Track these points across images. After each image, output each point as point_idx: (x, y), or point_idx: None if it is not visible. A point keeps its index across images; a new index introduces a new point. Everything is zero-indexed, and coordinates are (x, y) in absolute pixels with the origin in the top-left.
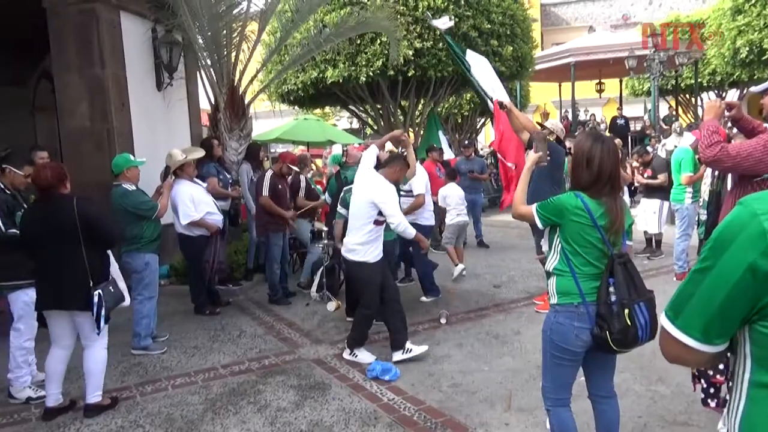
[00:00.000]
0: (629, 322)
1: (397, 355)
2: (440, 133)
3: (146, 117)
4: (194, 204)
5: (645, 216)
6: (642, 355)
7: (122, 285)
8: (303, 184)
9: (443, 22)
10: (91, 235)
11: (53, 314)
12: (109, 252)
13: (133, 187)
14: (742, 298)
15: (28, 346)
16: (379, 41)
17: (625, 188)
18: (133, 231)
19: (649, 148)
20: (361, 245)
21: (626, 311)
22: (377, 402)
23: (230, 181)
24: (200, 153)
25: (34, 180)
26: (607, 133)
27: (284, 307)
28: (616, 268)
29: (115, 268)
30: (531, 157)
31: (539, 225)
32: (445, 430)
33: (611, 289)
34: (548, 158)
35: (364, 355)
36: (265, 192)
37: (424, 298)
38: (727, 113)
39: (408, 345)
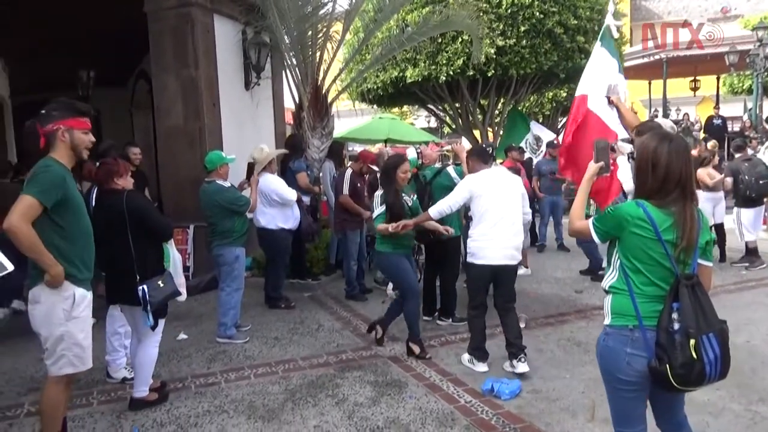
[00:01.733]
0: (695, 356)
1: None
2: (533, 125)
3: (235, 115)
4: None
5: (735, 224)
6: (741, 372)
7: (180, 280)
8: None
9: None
10: (140, 228)
11: (119, 306)
12: (169, 245)
13: (228, 184)
14: None
15: (122, 331)
16: (460, 40)
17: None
18: (226, 225)
19: (749, 151)
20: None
21: (692, 342)
22: (454, 403)
23: (314, 178)
24: (284, 150)
25: (93, 177)
26: (702, 134)
27: (360, 304)
28: (681, 291)
29: (175, 262)
30: (591, 167)
31: (597, 241)
32: None
33: (674, 315)
34: (611, 168)
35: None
36: (346, 190)
37: None
38: None
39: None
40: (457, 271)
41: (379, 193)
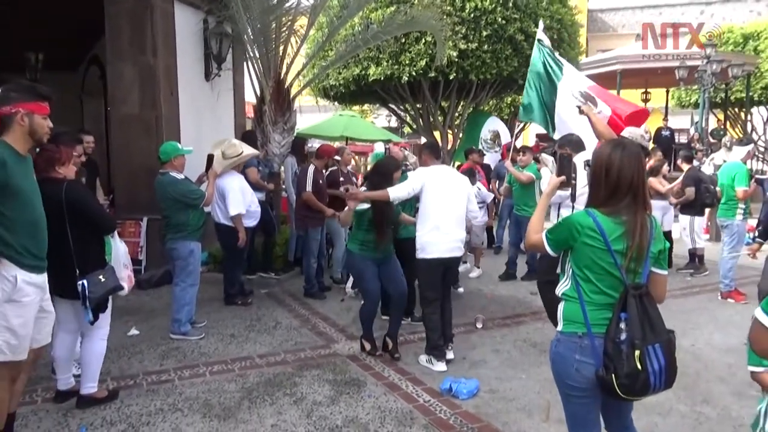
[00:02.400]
0: (640, 366)
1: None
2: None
3: (193, 106)
4: (243, 196)
5: (680, 232)
6: (686, 375)
7: (123, 273)
8: (342, 177)
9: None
10: (79, 220)
11: (56, 298)
12: (111, 238)
13: (181, 176)
14: None
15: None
16: (423, 41)
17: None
18: (180, 219)
19: (695, 162)
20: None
21: (637, 353)
22: (413, 402)
23: (267, 173)
24: (255, 151)
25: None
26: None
27: (319, 301)
28: (629, 301)
29: (118, 255)
30: (552, 181)
31: (551, 252)
32: None
33: (622, 325)
34: (573, 181)
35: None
36: (309, 187)
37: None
38: None
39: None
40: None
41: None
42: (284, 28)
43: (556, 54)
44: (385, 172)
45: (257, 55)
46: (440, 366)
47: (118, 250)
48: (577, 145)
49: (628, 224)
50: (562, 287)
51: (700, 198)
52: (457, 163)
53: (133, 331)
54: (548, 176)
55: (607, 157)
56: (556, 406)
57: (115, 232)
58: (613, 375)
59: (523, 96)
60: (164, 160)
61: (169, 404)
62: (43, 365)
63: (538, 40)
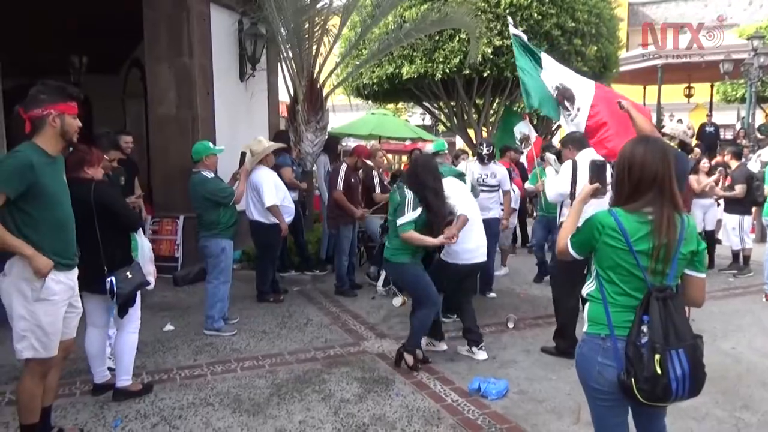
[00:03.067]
0: (660, 371)
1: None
2: (523, 123)
3: (228, 106)
4: (276, 190)
5: (726, 232)
6: (725, 378)
7: (148, 269)
8: (376, 179)
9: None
10: (106, 219)
11: (86, 294)
12: (138, 235)
13: (212, 174)
14: None
15: None
16: (457, 38)
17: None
18: (211, 217)
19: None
20: None
21: (657, 357)
22: (441, 402)
23: (300, 173)
24: (283, 145)
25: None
26: (695, 141)
27: (350, 299)
28: (652, 303)
29: (144, 252)
30: (584, 189)
31: (576, 256)
32: None
33: (644, 328)
34: (608, 189)
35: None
36: (340, 186)
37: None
38: None
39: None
40: None
41: (410, 195)
42: (317, 28)
43: (533, 46)
44: (430, 169)
45: (290, 55)
46: (481, 355)
47: (144, 246)
48: (579, 142)
49: (654, 222)
50: (588, 288)
51: (750, 195)
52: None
53: (169, 327)
54: (553, 175)
55: (630, 153)
56: (587, 409)
57: (140, 230)
58: (633, 379)
59: (521, 88)
60: (196, 160)
61: (201, 398)
62: (82, 359)
63: (513, 35)
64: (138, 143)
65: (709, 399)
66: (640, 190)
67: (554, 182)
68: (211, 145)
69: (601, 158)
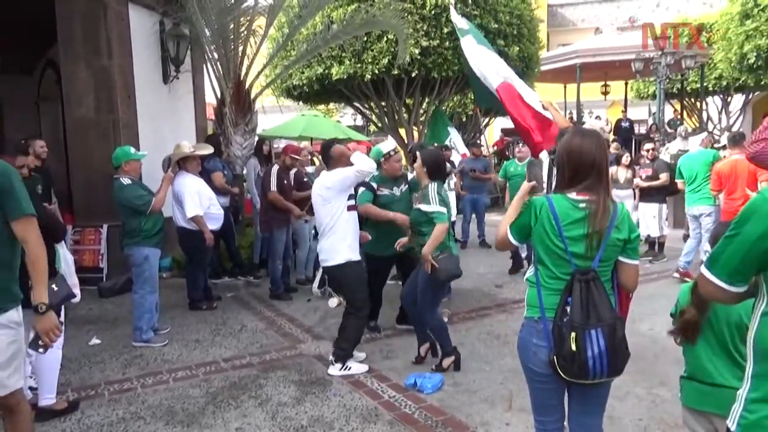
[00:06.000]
0: (575, 348)
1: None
2: (451, 129)
3: (152, 109)
4: (200, 198)
5: (645, 220)
6: (644, 358)
7: (73, 281)
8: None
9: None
10: None
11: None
12: (59, 246)
13: (129, 181)
14: (756, 255)
15: None
16: (385, 39)
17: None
18: (132, 224)
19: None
20: None
21: (573, 335)
22: (378, 399)
23: (231, 177)
24: (209, 149)
25: None
26: (612, 136)
27: (285, 303)
28: (575, 285)
29: (67, 263)
30: (523, 187)
31: (515, 242)
32: (446, 428)
33: (567, 308)
34: (545, 184)
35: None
36: (273, 187)
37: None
38: None
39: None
40: None
41: (433, 187)
42: (243, 29)
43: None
44: (440, 161)
45: (216, 56)
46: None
47: (66, 258)
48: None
49: (591, 209)
50: (528, 273)
51: (671, 185)
52: None
53: (95, 341)
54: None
55: (569, 141)
56: (519, 396)
57: (62, 241)
58: (555, 356)
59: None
60: (116, 166)
61: (131, 413)
62: None
63: (459, 29)
64: (55, 150)
65: (629, 378)
66: (579, 176)
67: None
68: (133, 150)
69: (538, 160)
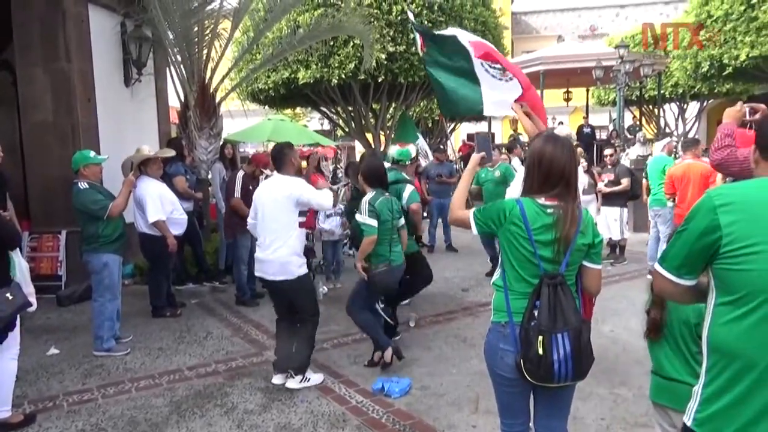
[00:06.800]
0: (542, 351)
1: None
2: (420, 138)
3: (113, 113)
4: (162, 203)
5: (606, 223)
6: (605, 359)
7: (29, 290)
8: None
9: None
10: None
11: None
12: (14, 254)
13: (86, 185)
14: (700, 249)
15: None
16: (352, 44)
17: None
18: (90, 230)
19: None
20: None
21: (540, 338)
22: (345, 405)
23: (195, 181)
24: (170, 153)
25: None
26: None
27: (252, 309)
28: (543, 289)
29: (22, 271)
30: (473, 158)
31: (474, 231)
32: None
33: (535, 312)
34: (493, 157)
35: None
36: (237, 193)
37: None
38: (749, 117)
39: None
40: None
41: (368, 197)
42: (207, 32)
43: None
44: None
45: (179, 59)
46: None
47: (21, 265)
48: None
49: (560, 212)
50: (495, 277)
51: (632, 190)
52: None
53: (53, 351)
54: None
55: (541, 148)
56: (486, 398)
57: (17, 248)
58: (522, 359)
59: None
60: (74, 170)
61: (91, 424)
62: None
63: (416, 31)
64: (11, 153)
65: (592, 379)
66: (550, 183)
67: (516, 189)
68: (92, 154)
69: (485, 132)
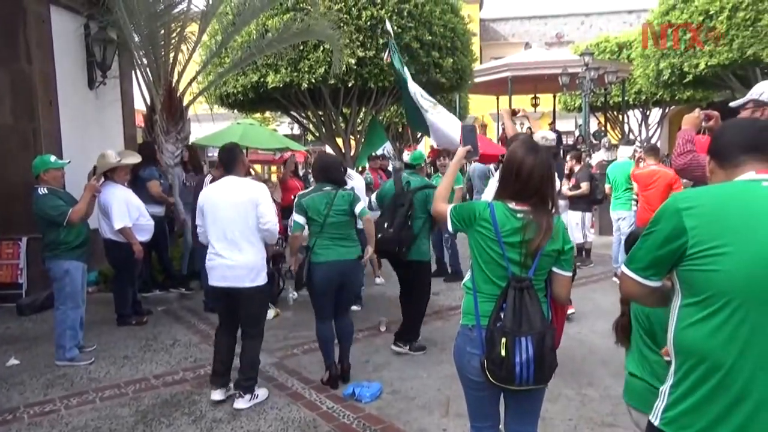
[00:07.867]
0: (504, 353)
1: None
2: (388, 145)
3: (76, 116)
4: (128, 209)
5: (569, 227)
6: (573, 360)
7: None
8: None
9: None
10: None
11: None
12: None
13: (45, 191)
14: (666, 252)
15: None
16: (322, 48)
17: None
18: (51, 236)
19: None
20: None
21: (503, 340)
22: (316, 410)
23: (167, 186)
24: (136, 158)
25: None
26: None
27: None
28: (509, 292)
29: None
30: (459, 152)
31: (449, 228)
32: None
33: (501, 314)
34: (479, 150)
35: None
36: None
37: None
38: (704, 123)
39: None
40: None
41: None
42: (174, 35)
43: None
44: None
45: (145, 62)
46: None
47: None
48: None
49: (529, 219)
50: (465, 279)
51: (593, 194)
52: (360, 168)
53: (13, 361)
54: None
55: (521, 158)
56: (456, 402)
57: None
58: (485, 360)
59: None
60: (35, 175)
61: None
62: None
63: (390, 41)
64: None
65: (560, 380)
66: (525, 194)
67: (490, 192)
68: (53, 158)
69: (471, 125)
